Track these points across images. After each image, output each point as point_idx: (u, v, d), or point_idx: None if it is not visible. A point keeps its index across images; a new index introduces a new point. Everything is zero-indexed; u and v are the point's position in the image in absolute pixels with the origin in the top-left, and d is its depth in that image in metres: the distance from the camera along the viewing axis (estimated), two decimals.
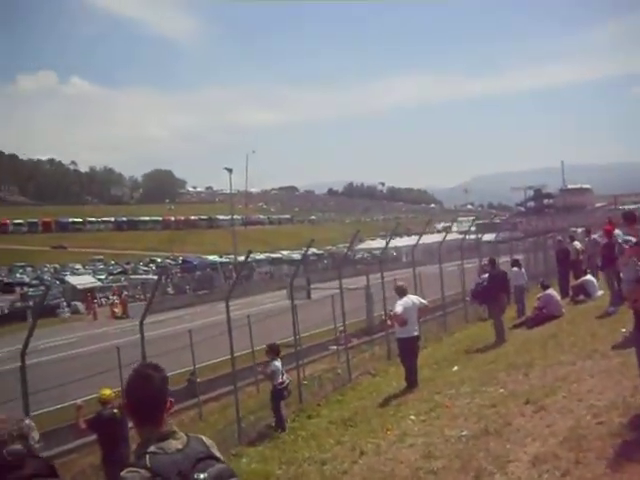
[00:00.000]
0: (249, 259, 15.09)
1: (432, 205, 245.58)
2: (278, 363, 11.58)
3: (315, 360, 20.37)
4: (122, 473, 2.53)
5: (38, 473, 2.18)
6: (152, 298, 11.68)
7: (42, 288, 59.76)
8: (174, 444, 2.62)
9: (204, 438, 2.77)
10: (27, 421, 2.27)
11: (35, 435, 2.32)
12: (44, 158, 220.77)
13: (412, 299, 11.44)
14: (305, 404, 12.60)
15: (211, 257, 79.91)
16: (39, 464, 2.21)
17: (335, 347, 21.56)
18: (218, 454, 2.74)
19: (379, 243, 78.35)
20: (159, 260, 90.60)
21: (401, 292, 11.45)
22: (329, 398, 12.78)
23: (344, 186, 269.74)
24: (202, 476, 2.54)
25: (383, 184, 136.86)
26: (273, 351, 11.86)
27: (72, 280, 56.77)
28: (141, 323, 9.94)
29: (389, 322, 18.31)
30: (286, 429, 11.05)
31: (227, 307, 11.08)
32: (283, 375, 11.64)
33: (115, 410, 8.50)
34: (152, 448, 2.58)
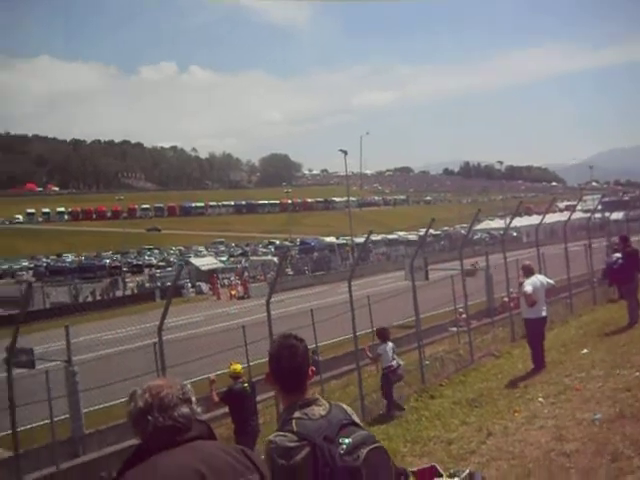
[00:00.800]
0: (369, 240, 15.20)
1: (554, 183, 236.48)
2: (385, 346, 11.61)
3: (434, 341, 20.23)
4: (270, 437, 2.64)
5: (201, 435, 2.32)
6: (277, 278, 12.06)
7: (169, 269, 62.93)
8: (317, 410, 2.69)
9: (344, 406, 2.83)
10: (189, 385, 2.42)
11: (194, 399, 2.46)
12: (167, 146, 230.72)
13: (539, 279, 11.11)
14: (427, 384, 12.57)
15: (328, 238, 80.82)
16: (202, 427, 2.35)
17: (455, 329, 21.32)
18: (359, 421, 2.81)
19: (498, 223, 76.44)
20: (277, 242, 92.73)
21: (528, 271, 11.12)
22: (452, 379, 12.66)
23: (460, 166, 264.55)
24: (347, 441, 2.58)
25: (501, 163, 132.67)
26: (381, 335, 11.92)
27: (195, 262, 59.17)
28: (267, 302, 10.27)
29: (512, 303, 17.96)
30: (395, 412, 11.02)
31: (349, 287, 11.23)
32: (394, 359, 11.65)
33: (245, 384, 8.86)
34: (297, 414, 2.67)
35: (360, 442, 2.61)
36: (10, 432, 14.54)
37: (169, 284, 51.03)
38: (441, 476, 6.24)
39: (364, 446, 2.60)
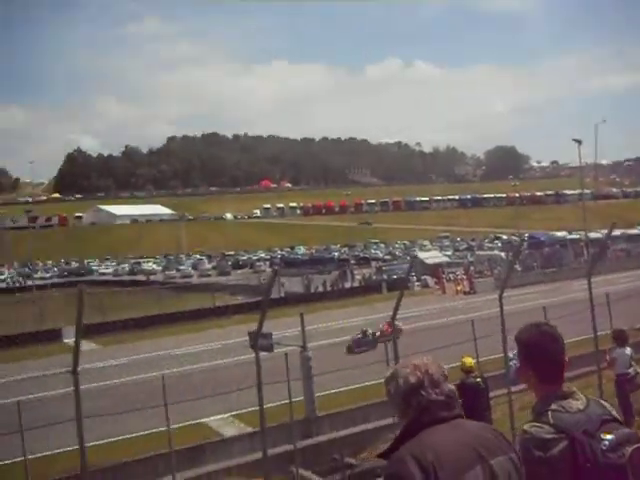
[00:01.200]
0: (610, 233, 14.11)
1: None
2: (623, 350, 10.65)
3: None
4: (525, 427, 2.56)
5: (461, 414, 2.35)
6: (509, 272, 11.69)
7: (395, 262, 64.00)
8: (575, 404, 2.58)
9: (603, 402, 2.69)
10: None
11: None
12: (392, 141, 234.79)
13: None
14: None
15: (559, 233, 76.82)
16: (459, 404, 2.38)
17: None
18: (620, 418, 2.64)
19: None
20: (504, 237, 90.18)
21: None
22: None
23: None
24: (609, 437, 2.46)
25: None
26: (618, 337, 10.96)
27: (421, 255, 59.48)
28: (500, 297, 10.04)
29: None
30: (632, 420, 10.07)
31: (589, 282, 10.59)
32: (631, 366, 10.67)
33: (478, 379, 8.73)
34: (553, 406, 2.57)
35: (624, 439, 2.47)
36: (248, 410, 15.92)
37: (395, 277, 52.11)
38: None
39: (628, 444, 2.46)
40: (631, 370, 10.69)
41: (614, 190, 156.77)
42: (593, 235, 60.27)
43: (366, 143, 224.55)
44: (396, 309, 8.59)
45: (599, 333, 14.22)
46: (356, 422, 15.54)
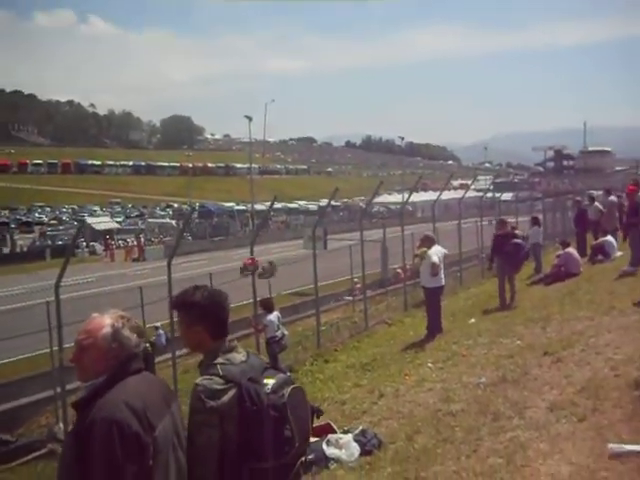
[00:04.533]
0: (272, 206, 15.16)
1: (450, 162, 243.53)
2: (271, 317, 11.85)
3: (330, 309, 20.71)
4: (197, 380, 2.78)
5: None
6: (179, 241, 11.91)
7: (61, 227, 60.59)
8: (238, 357, 2.89)
9: (260, 356, 3.05)
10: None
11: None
12: (63, 99, 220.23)
13: (439, 249, 11.54)
14: (323, 349, 12.90)
15: (227, 204, 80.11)
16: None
17: (350, 297, 21.90)
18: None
19: (395, 197, 78.29)
20: (176, 205, 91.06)
21: (430, 242, 11.50)
22: (346, 344, 13.06)
23: (362, 139, 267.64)
24: (271, 381, 2.79)
25: (402, 138, 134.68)
26: (266, 305, 12.17)
27: (90, 221, 57.30)
28: (169, 264, 10.19)
29: (404, 274, 18.55)
30: None
31: (251, 252, 11.28)
32: (278, 329, 11.91)
33: (147, 345, 8.78)
34: (220, 359, 2.84)
35: (283, 382, 2.84)
36: None
37: (60, 243, 49.44)
38: (335, 433, 6.50)
39: (286, 386, 2.83)
40: (279, 333, 11.85)
41: (278, 166, 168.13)
42: (258, 207, 64.15)
43: (34, 98, 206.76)
44: (61, 275, 8.20)
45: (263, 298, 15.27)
46: (10, 397, 14.56)
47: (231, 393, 2.71)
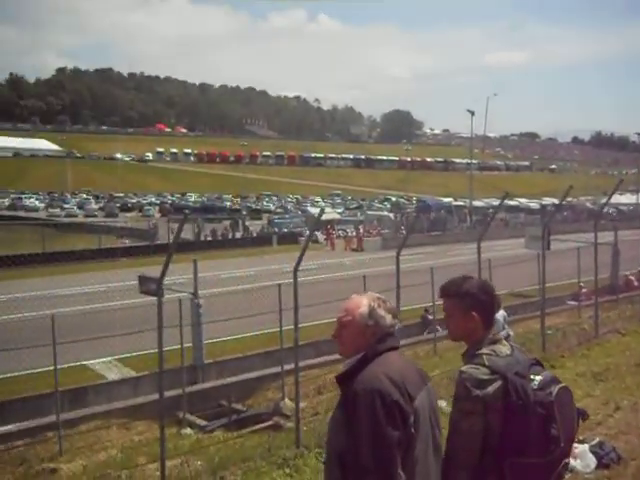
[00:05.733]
0: (503, 203, 14.77)
1: None
2: (497, 315, 11.31)
3: (552, 313, 19.76)
4: (463, 368, 2.82)
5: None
6: (409, 234, 12.14)
7: (287, 216, 64.23)
8: (503, 349, 2.88)
9: (522, 349, 3.04)
10: None
11: None
12: (291, 95, 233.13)
13: None
14: (548, 354, 12.37)
15: (445, 199, 79.63)
16: None
17: (574, 302, 20.73)
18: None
19: (628, 198, 72.31)
20: (393, 199, 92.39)
21: None
22: (574, 351, 12.40)
23: (591, 135, 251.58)
24: (538, 377, 2.77)
25: (639, 134, 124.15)
26: None
27: (313, 211, 59.99)
28: (397, 255, 10.41)
29: (636, 282, 17.18)
30: None
31: (478, 248, 11.15)
32: (504, 328, 11.46)
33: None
34: (485, 350, 2.85)
35: (550, 380, 2.80)
36: (133, 354, 15.74)
37: (285, 230, 52.45)
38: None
39: (553, 384, 2.78)
40: (504, 333, 11.47)
41: (498, 162, 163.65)
42: (477, 203, 62.95)
43: (265, 94, 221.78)
44: (299, 259, 8.71)
45: None
46: (243, 370, 15.76)
47: (496, 384, 2.71)
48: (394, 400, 2.50)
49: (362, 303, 2.77)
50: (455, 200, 76.78)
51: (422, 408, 2.62)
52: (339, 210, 71.62)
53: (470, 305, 2.94)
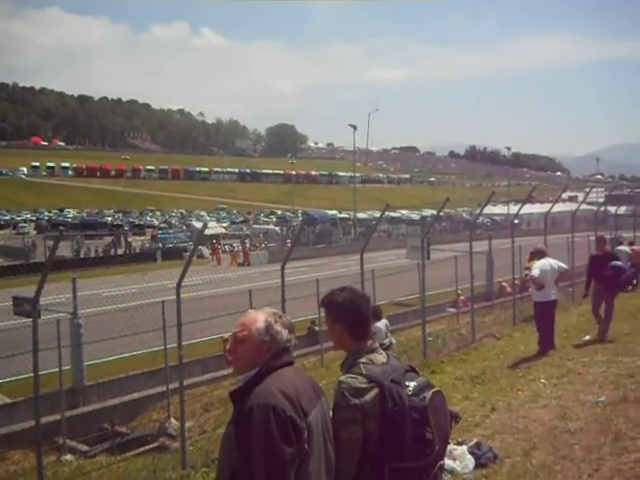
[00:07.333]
0: (383, 215, 15.08)
1: (558, 173, 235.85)
2: (379, 324, 11.74)
3: (432, 320, 20.46)
4: (341, 378, 2.88)
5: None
6: (294, 246, 12.20)
7: (171, 231, 62.98)
8: (379, 357, 2.97)
9: (399, 358, 3.13)
10: None
11: None
12: (174, 108, 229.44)
13: (550, 262, 11.03)
14: (429, 359, 12.80)
15: (330, 212, 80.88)
16: None
17: (453, 309, 21.60)
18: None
19: (500, 209, 76.39)
20: (279, 212, 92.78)
21: (540, 254, 11.12)
22: (453, 356, 12.88)
23: (466, 149, 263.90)
24: (413, 384, 2.85)
25: (509, 149, 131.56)
26: (373, 313, 11.91)
27: (198, 225, 59.19)
28: (282, 268, 10.44)
29: (509, 289, 18.08)
30: None
31: (361, 259, 11.38)
32: (386, 337, 11.81)
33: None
34: (363, 359, 2.93)
35: (424, 385, 2.89)
36: (8, 380, 14.89)
37: (170, 245, 51.42)
38: (449, 444, 6.45)
39: (427, 389, 2.88)
40: (386, 341, 11.80)
41: (381, 175, 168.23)
42: (360, 215, 64.41)
43: (148, 107, 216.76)
44: (182, 275, 8.57)
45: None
46: (126, 391, 15.29)
47: (373, 392, 2.78)
48: (288, 416, 2.50)
49: (259, 319, 2.77)
50: (340, 213, 78.26)
51: (316, 424, 2.65)
52: (225, 224, 71.10)
53: (335, 317, 3.04)
